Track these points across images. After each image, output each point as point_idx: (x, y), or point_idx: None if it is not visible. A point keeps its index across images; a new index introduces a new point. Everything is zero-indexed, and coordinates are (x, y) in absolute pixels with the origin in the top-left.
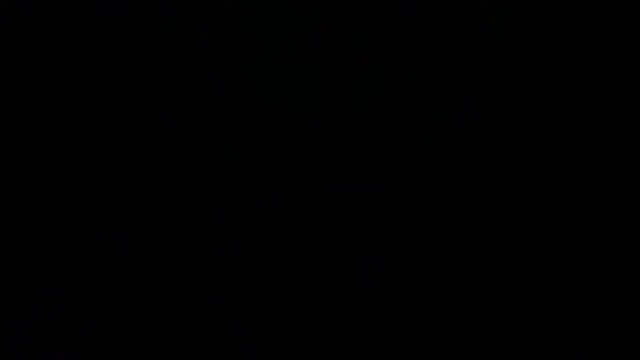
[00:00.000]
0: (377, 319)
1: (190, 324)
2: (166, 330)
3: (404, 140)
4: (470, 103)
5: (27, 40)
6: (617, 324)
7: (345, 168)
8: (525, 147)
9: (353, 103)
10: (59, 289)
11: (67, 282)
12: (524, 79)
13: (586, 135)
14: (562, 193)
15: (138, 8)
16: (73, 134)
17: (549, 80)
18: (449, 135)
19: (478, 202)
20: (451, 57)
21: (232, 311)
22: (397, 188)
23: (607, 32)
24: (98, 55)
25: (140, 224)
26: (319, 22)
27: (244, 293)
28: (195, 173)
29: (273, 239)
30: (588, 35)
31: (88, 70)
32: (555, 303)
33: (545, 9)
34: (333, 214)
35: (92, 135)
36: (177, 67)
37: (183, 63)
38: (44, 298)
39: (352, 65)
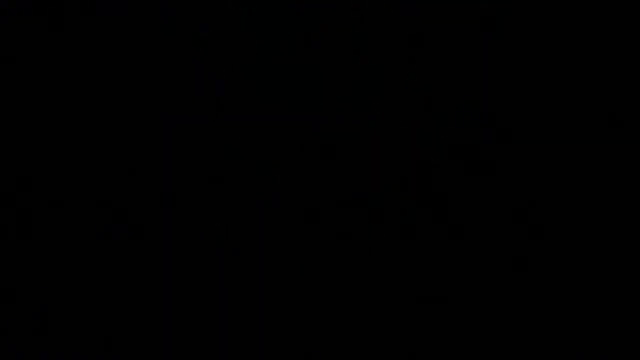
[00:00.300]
0: (377, 319)
1: (190, 323)
2: (166, 330)
3: (404, 140)
4: (470, 103)
5: (27, 40)
6: (617, 324)
7: (345, 168)
8: (525, 147)
9: (353, 103)
10: (58, 288)
11: (67, 281)
12: (524, 79)
13: (586, 135)
14: (562, 193)
15: (138, 8)
16: (73, 134)
17: (549, 80)
18: (449, 135)
19: (478, 202)
20: (451, 57)
21: (232, 311)
22: (397, 188)
23: (608, 31)
24: (98, 55)
25: (140, 224)
26: (319, 22)
27: (244, 293)
28: (195, 173)
29: (273, 239)
30: (589, 35)
31: (88, 70)
32: (555, 303)
33: (546, 9)
34: (333, 214)
35: (92, 135)
36: (177, 67)
37: (183, 63)
38: (44, 298)
39: (352, 65)
